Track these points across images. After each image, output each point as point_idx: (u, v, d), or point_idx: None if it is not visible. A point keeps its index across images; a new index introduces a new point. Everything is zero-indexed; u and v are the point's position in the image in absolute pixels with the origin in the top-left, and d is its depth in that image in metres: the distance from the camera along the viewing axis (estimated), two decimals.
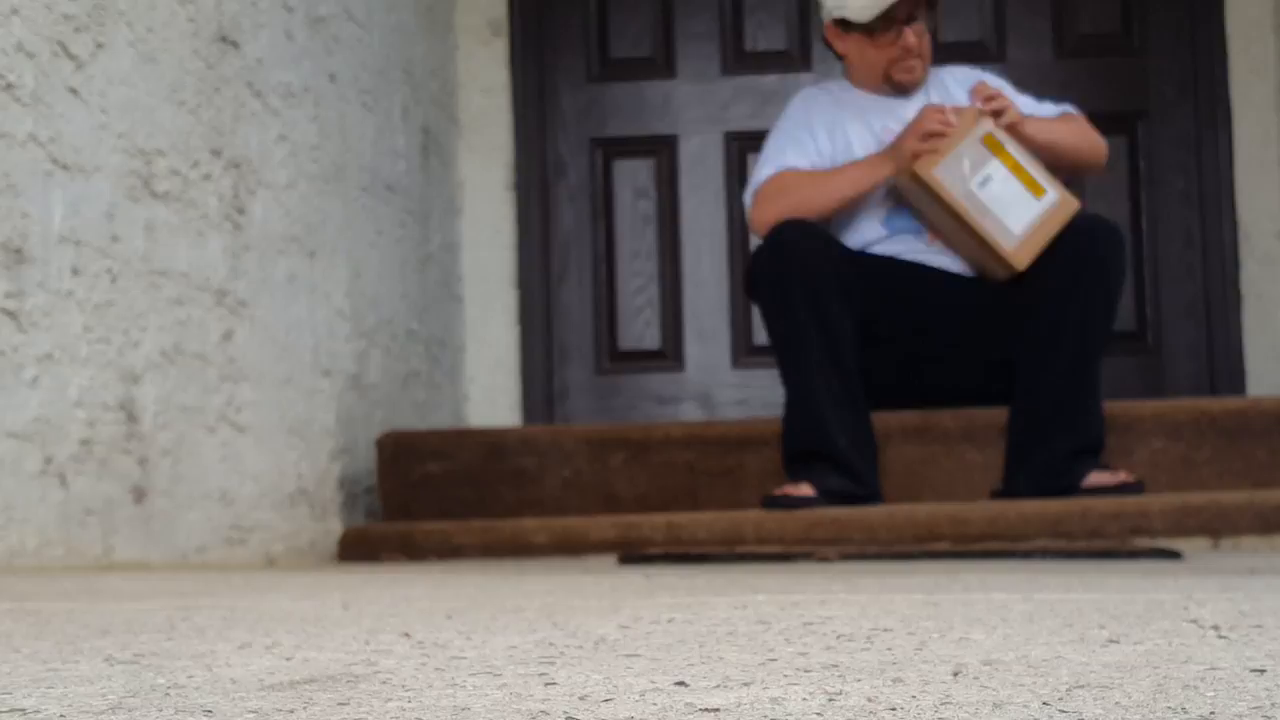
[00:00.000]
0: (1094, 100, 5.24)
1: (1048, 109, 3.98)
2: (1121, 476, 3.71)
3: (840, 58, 4.02)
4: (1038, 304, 3.74)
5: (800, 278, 3.71)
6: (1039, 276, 3.73)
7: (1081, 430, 3.71)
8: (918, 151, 3.71)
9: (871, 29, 3.85)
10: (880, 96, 3.96)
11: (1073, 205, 3.76)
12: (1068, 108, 4.01)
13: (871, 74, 3.92)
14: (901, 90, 3.92)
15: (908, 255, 3.88)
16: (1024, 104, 3.95)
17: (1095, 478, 3.69)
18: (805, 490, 3.71)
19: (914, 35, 3.85)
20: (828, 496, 3.71)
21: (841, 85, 4.06)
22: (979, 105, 3.80)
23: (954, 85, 3.97)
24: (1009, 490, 3.77)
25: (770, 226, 3.80)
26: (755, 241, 5.29)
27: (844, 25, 3.89)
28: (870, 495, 3.77)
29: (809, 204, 3.80)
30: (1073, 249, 3.71)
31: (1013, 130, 3.78)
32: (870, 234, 3.91)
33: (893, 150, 3.78)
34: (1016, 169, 3.72)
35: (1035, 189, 3.71)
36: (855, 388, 3.76)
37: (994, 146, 3.74)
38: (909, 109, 3.91)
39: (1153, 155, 5.22)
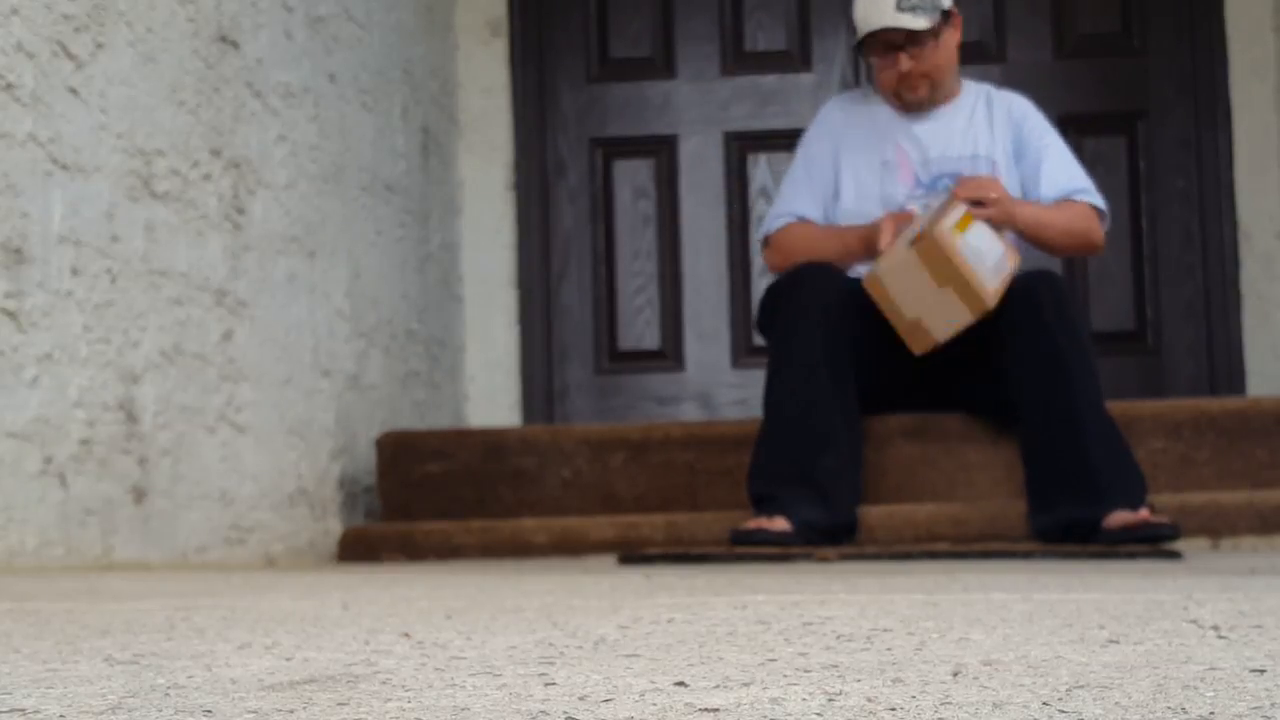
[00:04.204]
0: (1094, 100, 5.25)
1: (1064, 182, 3.93)
2: (1143, 515, 3.54)
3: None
4: (1021, 378, 3.72)
5: (816, 306, 3.72)
6: (1015, 350, 3.72)
7: (1118, 487, 3.61)
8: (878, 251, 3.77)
9: (869, 48, 3.91)
10: (900, 112, 3.98)
11: (1015, 259, 3.75)
12: (1080, 188, 3.94)
13: (885, 90, 3.98)
14: (911, 108, 3.95)
15: None
16: (1052, 153, 3.94)
17: (1119, 516, 3.55)
18: (780, 524, 3.60)
19: (908, 61, 3.88)
20: (805, 530, 3.59)
21: (861, 96, 4.12)
22: (960, 199, 3.76)
23: (999, 114, 3.97)
24: (1034, 527, 3.70)
25: (780, 272, 3.98)
26: (755, 243, 5.32)
27: (860, 45, 3.98)
28: (849, 527, 3.72)
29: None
30: (1026, 317, 3.70)
31: (1003, 218, 3.77)
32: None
33: (865, 239, 3.83)
34: (948, 277, 3.70)
35: (971, 300, 3.69)
36: (855, 416, 3.75)
37: (931, 256, 3.71)
38: (925, 127, 3.94)
39: (1153, 155, 5.22)
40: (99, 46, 2.98)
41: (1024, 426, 3.74)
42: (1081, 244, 3.94)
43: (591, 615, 1.75)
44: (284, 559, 3.69)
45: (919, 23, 3.84)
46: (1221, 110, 5.17)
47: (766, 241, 4.04)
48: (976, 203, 3.74)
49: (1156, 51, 5.24)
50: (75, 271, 2.89)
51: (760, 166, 5.30)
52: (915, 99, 3.93)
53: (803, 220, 3.97)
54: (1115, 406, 3.79)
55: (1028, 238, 3.85)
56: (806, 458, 3.67)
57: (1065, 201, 3.91)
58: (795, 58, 5.33)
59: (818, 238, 3.94)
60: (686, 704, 1.06)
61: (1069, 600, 1.90)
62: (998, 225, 3.75)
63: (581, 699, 1.09)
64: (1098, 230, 3.93)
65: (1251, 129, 5.16)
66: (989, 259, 3.71)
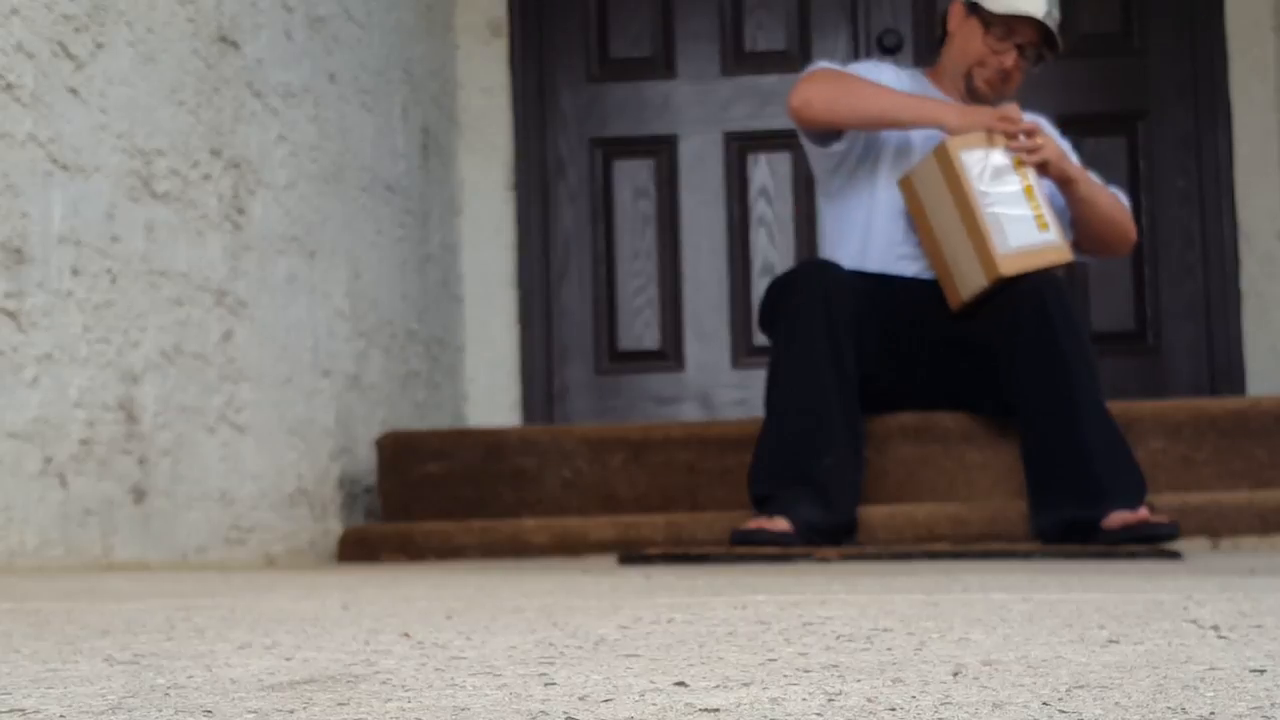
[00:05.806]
0: (1094, 100, 5.25)
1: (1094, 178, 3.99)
2: (1142, 515, 3.54)
3: (943, 40, 4.04)
4: (1022, 378, 3.73)
5: (818, 304, 3.71)
6: (1011, 350, 3.73)
7: (1118, 487, 3.60)
8: (987, 125, 3.74)
9: (990, 24, 3.89)
10: (947, 98, 3.96)
11: (1066, 254, 3.75)
12: (1115, 188, 4.03)
13: (961, 62, 3.95)
14: (973, 97, 3.93)
15: (925, 273, 3.89)
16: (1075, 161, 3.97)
17: (1119, 516, 3.54)
18: (781, 525, 3.59)
19: (1014, 60, 3.90)
20: (806, 530, 3.58)
21: (912, 73, 4.10)
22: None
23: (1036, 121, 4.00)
24: (1034, 527, 3.70)
25: (807, 103, 3.84)
26: (760, 234, 5.32)
27: (972, 7, 3.93)
28: (849, 526, 3.72)
29: (850, 99, 3.83)
30: (1032, 312, 3.70)
31: (1058, 174, 3.79)
32: (895, 236, 3.90)
33: (962, 110, 3.80)
34: (1030, 196, 3.72)
35: (1041, 221, 3.72)
36: (857, 417, 3.75)
37: (1020, 167, 3.74)
38: None
39: (1153, 155, 5.22)
40: (99, 46, 2.98)
41: (1025, 426, 3.74)
42: (1120, 236, 3.97)
43: (591, 615, 1.75)
44: (284, 559, 3.69)
45: (1056, 35, 3.89)
46: (1221, 110, 5.17)
47: (806, 77, 3.89)
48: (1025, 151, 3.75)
49: (1156, 51, 5.24)
50: (75, 271, 2.89)
51: (760, 166, 5.30)
52: (986, 93, 3.93)
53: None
54: (1115, 406, 3.79)
55: (1075, 208, 3.86)
56: (807, 458, 3.67)
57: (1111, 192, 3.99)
58: (795, 58, 5.32)
59: (867, 82, 3.85)
60: (686, 704, 1.06)
61: (1069, 600, 1.90)
62: (1055, 178, 3.78)
63: (581, 699, 1.09)
64: (1133, 227, 4.00)
65: (1251, 129, 5.16)
66: (1020, 221, 3.70)
